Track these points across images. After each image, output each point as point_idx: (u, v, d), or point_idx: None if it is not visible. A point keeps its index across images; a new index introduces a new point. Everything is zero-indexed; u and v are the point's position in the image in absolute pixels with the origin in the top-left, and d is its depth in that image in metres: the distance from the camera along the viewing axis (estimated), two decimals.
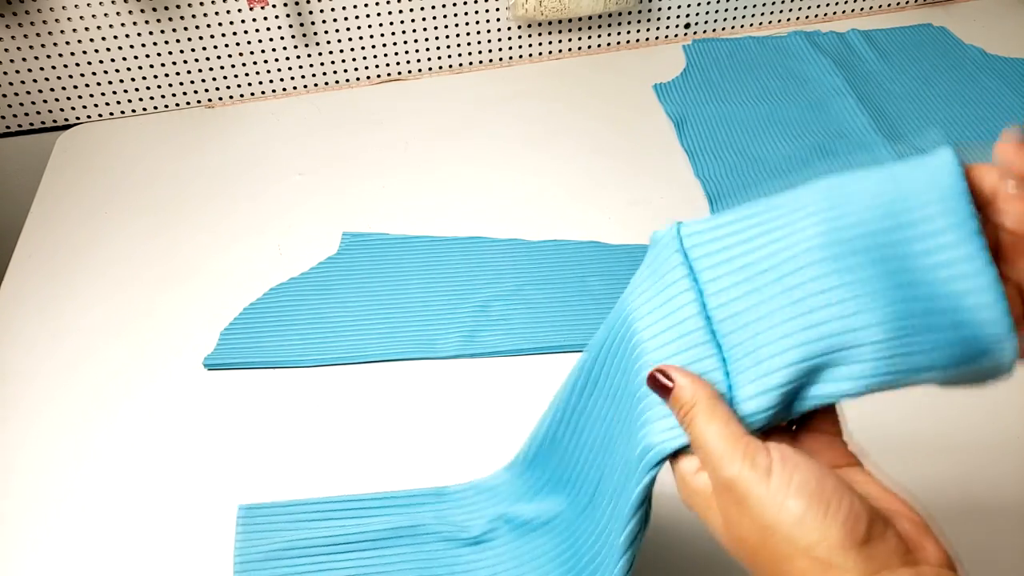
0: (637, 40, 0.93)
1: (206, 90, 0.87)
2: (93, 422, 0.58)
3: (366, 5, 0.84)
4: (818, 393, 0.33)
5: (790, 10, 0.94)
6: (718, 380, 0.34)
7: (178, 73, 0.85)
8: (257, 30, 0.84)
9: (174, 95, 0.87)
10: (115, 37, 0.81)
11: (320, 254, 0.69)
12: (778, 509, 0.30)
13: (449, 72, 0.90)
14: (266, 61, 0.86)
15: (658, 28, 0.92)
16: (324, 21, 0.84)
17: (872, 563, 0.29)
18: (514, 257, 0.68)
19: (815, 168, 0.74)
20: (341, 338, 0.62)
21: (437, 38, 0.88)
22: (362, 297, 0.65)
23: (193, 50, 0.84)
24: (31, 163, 0.86)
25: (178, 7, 0.80)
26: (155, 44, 0.83)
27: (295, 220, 0.73)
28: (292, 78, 0.88)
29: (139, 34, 0.82)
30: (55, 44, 0.81)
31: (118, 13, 0.80)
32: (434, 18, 0.86)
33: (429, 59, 0.89)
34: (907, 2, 0.96)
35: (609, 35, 0.92)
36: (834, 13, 0.95)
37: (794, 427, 0.36)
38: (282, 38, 0.85)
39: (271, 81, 0.87)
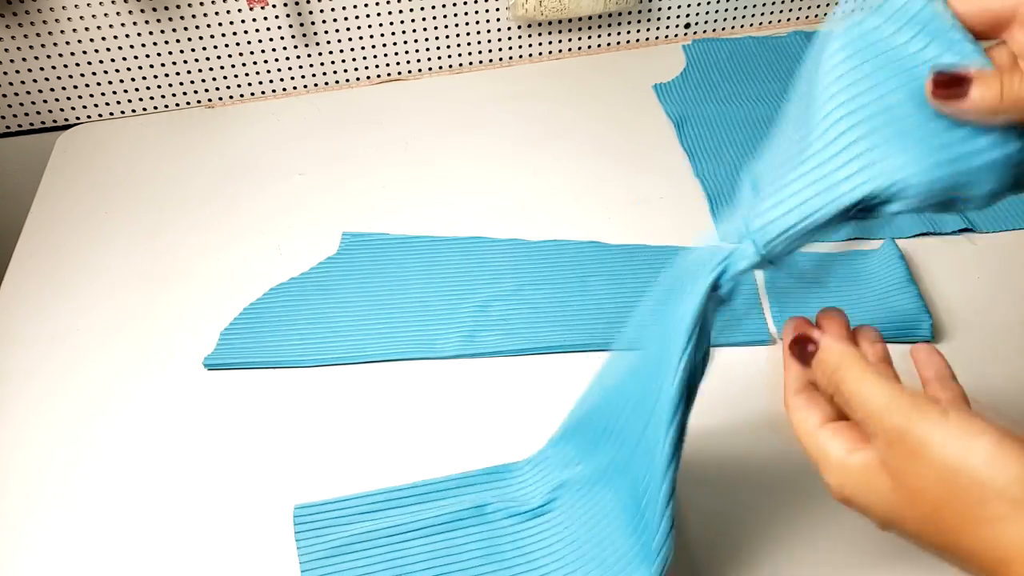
0: (637, 40, 0.93)
1: (206, 90, 0.87)
2: (92, 422, 0.58)
3: (366, 5, 0.84)
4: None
5: (790, 10, 0.94)
6: None
7: (178, 73, 0.85)
8: (257, 30, 0.84)
9: (174, 95, 0.87)
10: (115, 37, 0.81)
11: (320, 254, 0.69)
12: (964, 449, 0.27)
13: (449, 72, 0.90)
14: (266, 61, 0.86)
15: (658, 28, 0.92)
16: (324, 21, 0.84)
17: None
18: (514, 257, 0.68)
19: None
20: (341, 338, 0.62)
21: (437, 38, 0.88)
22: (362, 297, 0.65)
23: (193, 50, 0.84)
24: (31, 163, 0.86)
25: (178, 7, 0.80)
26: (155, 44, 0.83)
27: (295, 220, 0.73)
28: (292, 78, 0.88)
29: (139, 34, 0.82)
30: (55, 44, 0.81)
31: (118, 13, 0.80)
32: (434, 18, 0.86)
33: (429, 59, 0.89)
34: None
35: (609, 35, 0.92)
36: (834, 14, 0.95)
37: None
38: (282, 38, 0.85)
39: (271, 81, 0.87)
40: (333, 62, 0.87)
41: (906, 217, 0.68)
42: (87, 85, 0.84)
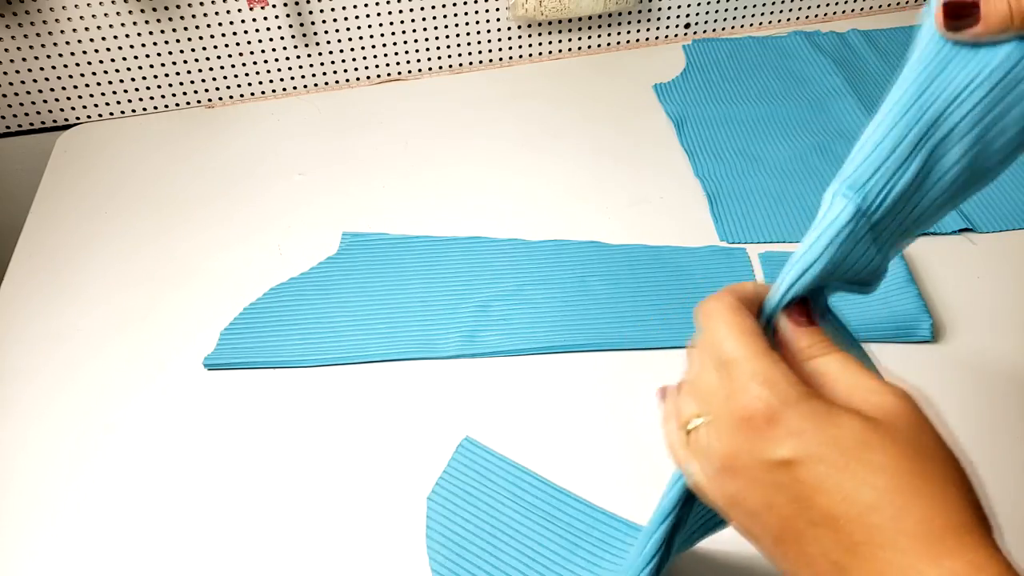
0: (637, 40, 0.93)
1: (206, 90, 0.87)
2: (93, 422, 0.58)
3: (366, 5, 0.84)
4: None
5: (790, 10, 0.94)
6: None
7: (178, 73, 0.85)
8: (257, 30, 0.84)
9: (174, 95, 0.87)
10: (115, 37, 0.81)
11: (320, 254, 0.69)
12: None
13: (449, 72, 0.90)
14: (266, 61, 0.86)
15: (658, 28, 0.92)
16: (324, 21, 0.84)
17: None
18: (514, 257, 0.68)
19: (815, 168, 0.75)
20: (341, 338, 0.62)
21: (437, 38, 0.88)
22: (362, 297, 0.65)
23: (193, 50, 0.84)
24: (31, 163, 0.86)
25: (178, 7, 0.80)
26: (155, 44, 0.83)
27: (295, 220, 0.73)
28: (292, 78, 0.88)
29: (139, 34, 0.82)
30: (55, 44, 0.81)
31: (118, 13, 0.80)
32: (434, 18, 0.86)
33: (429, 59, 0.89)
34: (907, 2, 0.96)
35: (609, 35, 0.92)
36: (834, 13, 0.95)
37: None
38: (282, 38, 0.85)
39: (271, 81, 0.87)
40: (333, 62, 0.87)
41: None
42: (87, 85, 0.84)
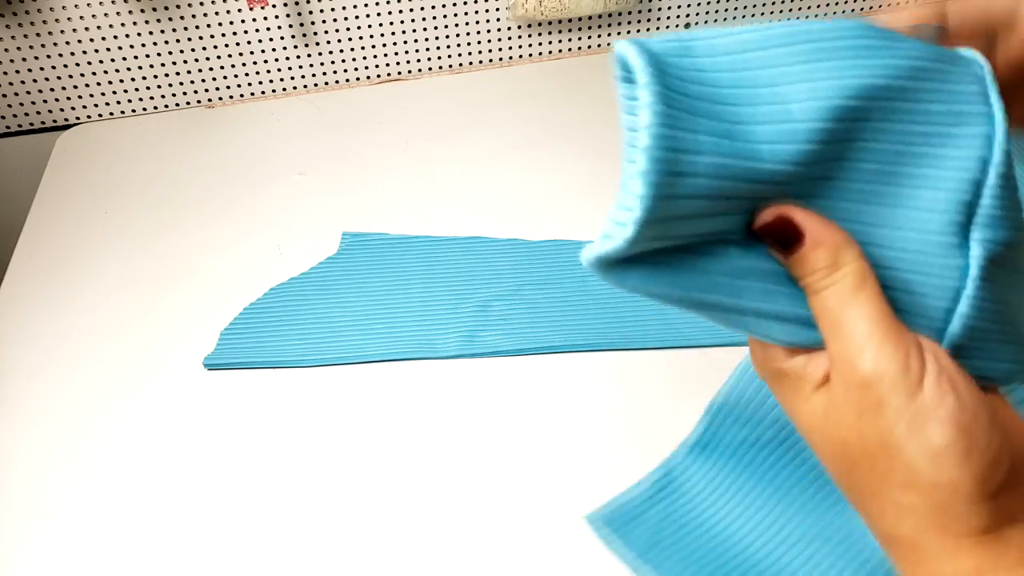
0: None
1: (206, 90, 0.87)
2: (92, 422, 0.58)
3: (366, 5, 0.84)
4: None
5: (790, 10, 0.94)
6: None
7: (178, 73, 0.85)
8: (257, 30, 0.84)
9: (174, 95, 0.87)
10: (115, 37, 0.81)
11: (320, 254, 0.69)
12: (915, 431, 0.24)
13: (449, 72, 0.90)
14: (266, 61, 0.86)
15: (658, 28, 0.92)
16: (324, 21, 0.84)
17: (995, 517, 0.24)
18: (514, 257, 0.68)
19: None
20: (341, 338, 0.62)
21: (437, 38, 0.88)
22: (362, 297, 0.65)
23: (193, 50, 0.84)
24: (31, 163, 0.86)
25: (178, 7, 0.80)
26: (155, 44, 0.83)
27: (295, 220, 0.73)
28: (292, 78, 0.88)
29: (139, 34, 0.82)
30: (55, 44, 0.81)
31: (118, 13, 0.80)
32: (434, 18, 0.86)
33: (429, 59, 0.89)
34: (907, 2, 0.96)
35: (609, 35, 0.92)
36: (834, 13, 0.95)
37: None
38: (282, 38, 0.85)
39: (271, 81, 0.87)
40: (333, 62, 0.87)
41: None
42: (87, 85, 0.84)
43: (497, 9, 0.87)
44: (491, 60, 0.91)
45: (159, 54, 0.83)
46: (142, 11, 0.80)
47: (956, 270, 0.28)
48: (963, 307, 0.27)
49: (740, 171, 0.27)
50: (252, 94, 0.88)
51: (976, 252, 0.27)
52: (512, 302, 0.64)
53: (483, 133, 0.82)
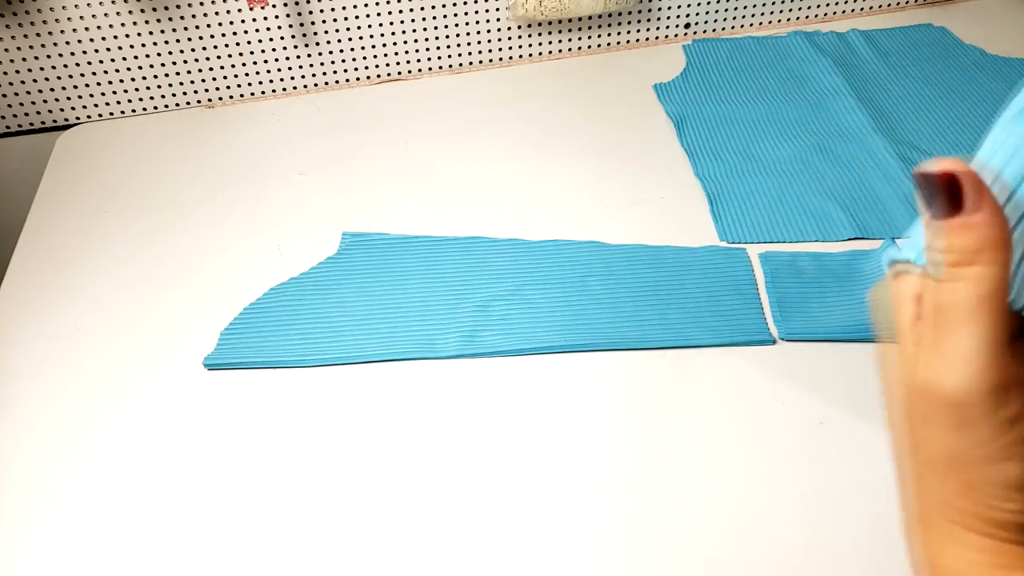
0: (637, 40, 0.93)
1: (206, 90, 0.87)
2: (92, 422, 0.58)
3: (366, 5, 0.84)
4: None
5: (790, 10, 0.94)
6: None
7: (178, 73, 0.85)
8: (257, 30, 0.84)
9: (174, 95, 0.87)
10: (115, 37, 0.81)
11: (320, 254, 0.69)
12: (995, 463, 0.24)
13: (449, 72, 0.90)
14: (266, 61, 0.86)
15: (658, 28, 0.92)
16: (324, 21, 0.84)
17: None
18: (514, 257, 0.68)
19: (815, 168, 0.75)
20: (341, 338, 0.62)
21: (437, 38, 0.88)
22: (362, 297, 0.65)
23: (193, 50, 0.84)
24: (31, 163, 0.86)
25: (178, 7, 0.80)
26: (155, 44, 0.83)
27: (295, 220, 0.73)
28: (292, 78, 0.88)
29: (139, 34, 0.82)
30: (55, 44, 0.81)
31: (118, 13, 0.80)
32: (434, 18, 0.86)
33: (429, 59, 0.89)
34: (907, 2, 0.96)
35: (609, 35, 0.92)
36: (834, 13, 0.95)
37: None
38: (282, 38, 0.85)
39: (271, 81, 0.87)
40: (333, 62, 0.87)
41: (905, 216, 0.68)
42: (87, 85, 0.84)
43: (497, 9, 0.87)
44: (491, 60, 0.91)
45: (159, 54, 0.83)
46: (142, 11, 0.80)
47: None
48: None
49: None
50: (252, 94, 0.88)
51: None
52: (512, 302, 0.64)
53: (483, 133, 0.82)
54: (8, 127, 0.86)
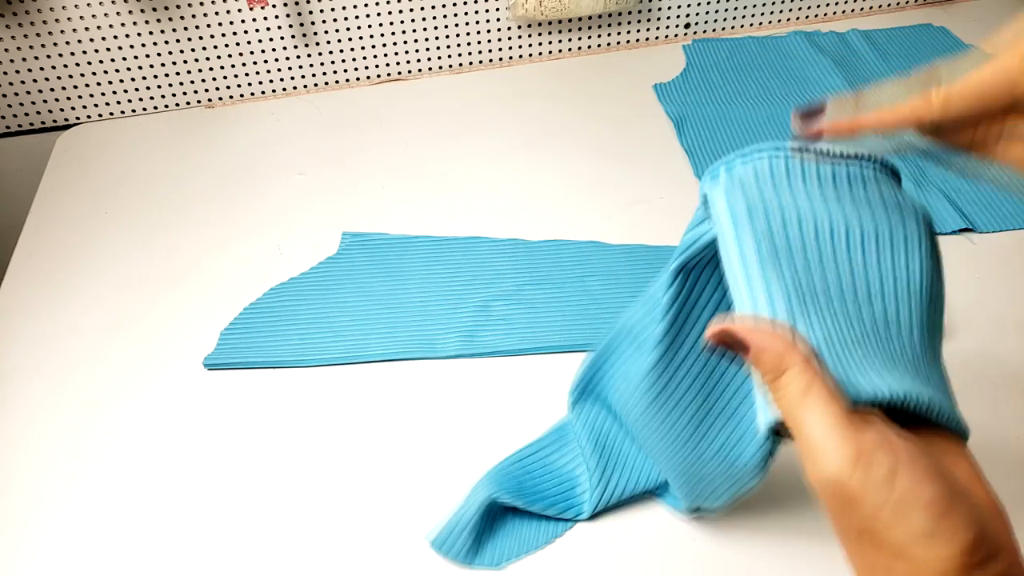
0: (637, 40, 0.93)
1: (206, 90, 0.87)
2: (93, 422, 0.58)
3: (366, 5, 0.84)
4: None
5: (790, 10, 0.94)
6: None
7: (178, 73, 0.85)
8: (257, 30, 0.84)
9: (174, 95, 0.87)
10: (115, 37, 0.81)
11: (320, 254, 0.69)
12: (897, 521, 0.25)
13: (449, 72, 0.90)
14: (266, 61, 0.86)
15: (658, 28, 0.92)
16: (324, 21, 0.84)
17: None
18: (514, 257, 0.68)
19: None
20: (341, 338, 0.62)
21: (437, 38, 0.88)
22: (362, 297, 0.65)
23: (193, 50, 0.84)
24: (31, 163, 0.86)
25: (178, 7, 0.80)
26: (155, 44, 0.83)
27: (295, 220, 0.73)
28: (292, 78, 0.88)
29: (139, 34, 0.82)
30: (55, 44, 0.81)
31: (118, 13, 0.80)
32: (434, 18, 0.86)
33: (429, 59, 0.89)
34: (907, 2, 0.96)
35: (609, 35, 0.92)
36: (834, 13, 0.95)
37: None
38: (282, 38, 0.85)
39: (271, 81, 0.87)
40: (333, 62, 0.87)
41: None
42: (87, 85, 0.84)
43: (497, 9, 0.87)
44: (491, 60, 0.91)
45: (159, 54, 0.83)
46: (142, 11, 0.80)
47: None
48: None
49: None
50: (252, 94, 0.88)
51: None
52: (512, 302, 0.64)
53: (483, 133, 0.82)
54: (8, 127, 0.86)
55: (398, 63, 0.89)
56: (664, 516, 0.51)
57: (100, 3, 0.79)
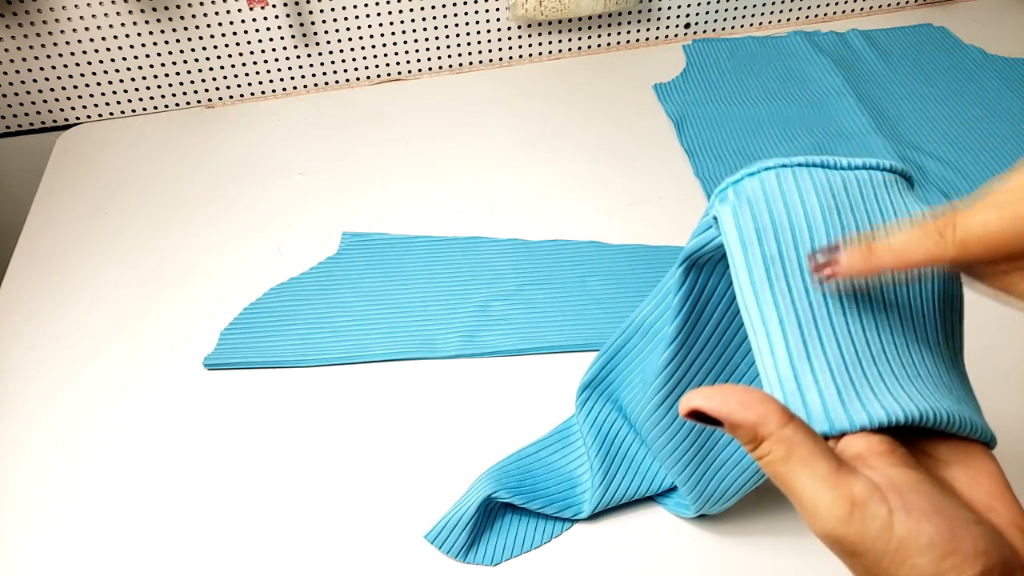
0: (637, 40, 0.93)
1: (206, 90, 0.87)
2: (92, 422, 0.58)
3: (366, 5, 0.84)
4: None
5: (790, 10, 0.94)
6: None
7: (178, 73, 0.85)
8: (257, 30, 0.84)
9: (174, 95, 0.87)
10: (115, 37, 0.81)
11: (320, 254, 0.69)
12: (900, 567, 0.25)
13: (449, 72, 0.90)
14: (266, 61, 0.86)
15: (658, 28, 0.92)
16: (324, 21, 0.84)
17: None
18: (514, 257, 0.68)
19: None
20: (341, 338, 0.62)
21: (437, 38, 0.88)
22: (362, 297, 0.65)
23: (193, 50, 0.84)
24: (31, 163, 0.86)
25: (178, 7, 0.80)
26: (155, 44, 0.83)
27: (295, 220, 0.73)
28: (292, 78, 0.88)
29: (139, 34, 0.82)
30: (55, 44, 0.81)
31: (118, 13, 0.80)
32: (434, 18, 0.86)
33: (429, 59, 0.89)
34: (907, 2, 0.96)
35: (609, 35, 0.92)
36: (834, 13, 0.95)
37: None
38: (282, 38, 0.85)
39: (271, 81, 0.87)
40: (333, 62, 0.87)
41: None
42: (87, 85, 0.84)
43: (497, 9, 0.87)
44: (491, 60, 0.91)
45: (159, 54, 0.83)
46: (142, 11, 0.80)
47: None
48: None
49: None
50: (252, 94, 0.88)
51: None
52: (512, 302, 0.64)
53: (483, 133, 0.82)
54: (8, 127, 0.86)
55: (398, 63, 0.89)
56: (664, 516, 0.51)
57: (100, 3, 0.79)
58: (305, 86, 0.89)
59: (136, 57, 0.83)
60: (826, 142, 0.77)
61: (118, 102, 0.86)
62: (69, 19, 0.79)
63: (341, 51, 0.87)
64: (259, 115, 0.86)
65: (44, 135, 0.86)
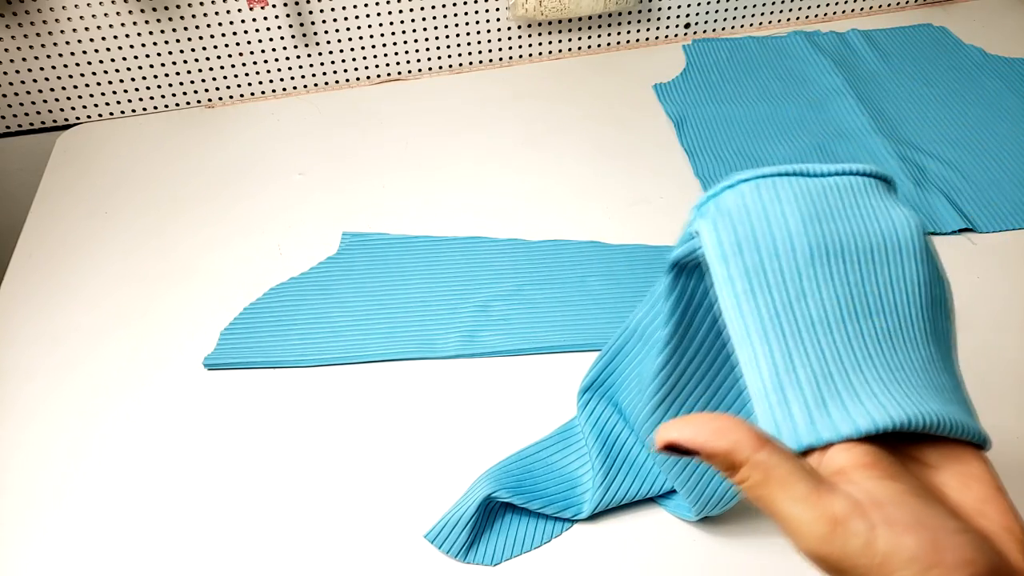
0: (637, 40, 0.93)
1: (206, 90, 0.87)
2: (92, 422, 0.58)
3: (366, 5, 0.84)
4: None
5: (790, 10, 0.94)
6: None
7: (178, 73, 0.85)
8: (257, 30, 0.84)
9: (174, 95, 0.87)
10: (115, 37, 0.81)
11: (320, 254, 0.69)
12: None
13: (449, 72, 0.90)
14: (266, 61, 0.86)
15: (658, 28, 0.92)
16: (324, 21, 0.84)
17: None
18: (514, 257, 0.68)
19: None
20: (341, 338, 0.62)
21: (437, 38, 0.88)
22: (362, 297, 0.65)
23: (193, 50, 0.84)
24: (31, 163, 0.86)
25: (178, 7, 0.80)
26: (155, 44, 0.83)
27: (295, 220, 0.73)
28: (292, 78, 0.88)
29: (139, 34, 0.82)
30: (55, 44, 0.81)
31: (118, 13, 0.80)
32: (434, 18, 0.86)
33: (429, 59, 0.89)
34: (907, 2, 0.96)
35: (609, 35, 0.92)
36: (834, 13, 0.95)
37: None
38: (282, 38, 0.85)
39: (271, 81, 0.87)
40: (333, 62, 0.87)
41: None
42: (87, 85, 0.84)
43: (497, 9, 0.87)
44: (491, 60, 0.91)
45: (159, 54, 0.83)
46: (142, 11, 0.80)
47: None
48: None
49: None
50: (252, 94, 0.88)
51: None
52: (512, 302, 0.64)
53: (483, 133, 0.82)
54: (8, 127, 0.86)
55: (398, 63, 0.89)
56: (664, 516, 0.51)
57: (100, 3, 0.79)
58: (305, 86, 0.89)
59: (136, 57, 0.83)
60: (826, 142, 0.77)
61: (118, 102, 0.86)
62: (69, 19, 0.79)
63: (341, 51, 0.87)
64: (259, 115, 0.86)
65: (44, 135, 0.86)
